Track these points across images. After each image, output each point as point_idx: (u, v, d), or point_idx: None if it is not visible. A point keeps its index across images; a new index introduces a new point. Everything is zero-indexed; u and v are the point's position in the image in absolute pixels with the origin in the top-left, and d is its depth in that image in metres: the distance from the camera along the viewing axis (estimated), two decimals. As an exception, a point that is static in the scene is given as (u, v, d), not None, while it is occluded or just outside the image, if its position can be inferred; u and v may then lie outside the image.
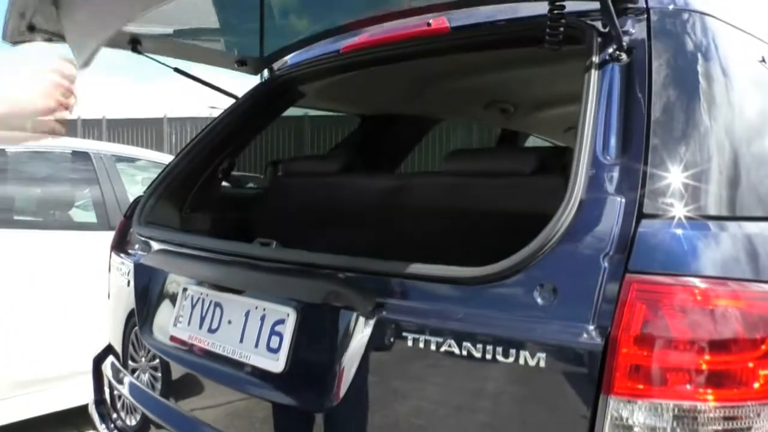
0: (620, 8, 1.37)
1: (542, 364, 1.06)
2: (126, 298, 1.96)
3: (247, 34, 2.25)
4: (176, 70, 2.13)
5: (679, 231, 1.07)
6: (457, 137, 4.46)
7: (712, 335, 1.01)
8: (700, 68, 1.31)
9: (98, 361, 2.14)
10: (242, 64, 2.25)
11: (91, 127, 15.79)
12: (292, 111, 2.93)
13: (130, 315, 1.94)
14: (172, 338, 1.73)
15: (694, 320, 1.01)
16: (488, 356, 1.11)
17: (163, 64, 2.10)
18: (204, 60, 2.19)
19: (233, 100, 2.32)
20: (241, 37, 2.27)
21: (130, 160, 4.08)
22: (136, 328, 1.89)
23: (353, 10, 2.01)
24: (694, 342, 1.00)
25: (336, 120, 3.61)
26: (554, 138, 3.60)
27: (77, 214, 3.84)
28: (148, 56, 2.04)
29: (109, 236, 2.22)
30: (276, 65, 2.34)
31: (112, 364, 2.07)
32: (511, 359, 1.09)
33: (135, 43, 1.97)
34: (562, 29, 1.47)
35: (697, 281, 1.02)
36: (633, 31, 1.37)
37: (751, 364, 1.00)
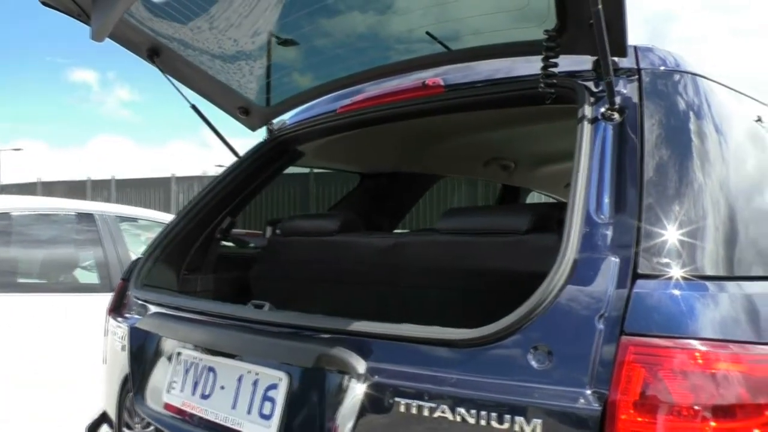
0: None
1: (538, 430, 1.02)
2: (121, 363, 1.93)
3: (257, 86, 2.28)
4: (193, 107, 2.16)
5: (675, 291, 1.05)
6: (461, 192, 4.46)
7: (715, 400, 0.97)
8: (692, 126, 1.31)
9: (92, 430, 2.09)
10: (245, 113, 2.27)
11: (100, 188, 16.02)
12: (297, 168, 2.94)
13: (125, 380, 1.90)
14: (166, 406, 1.69)
15: (696, 384, 0.97)
16: (482, 422, 1.08)
17: (177, 89, 2.12)
18: (212, 97, 2.21)
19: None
20: (249, 87, 2.30)
21: (133, 219, 4.11)
22: (131, 393, 1.85)
23: (354, 68, 2.04)
24: (696, 407, 0.97)
25: (341, 177, 3.63)
26: (556, 193, 3.60)
27: (80, 276, 3.84)
28: (162, 72, 2.05)
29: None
30: (275, 125, 2.36)
31: (106, 432, 2.02)
32: (506, 425, 1.05)
33: (153, 54, 2.00)
34: (554, 88, 1.49)
35: (697, 344, 0.99)
36: (625, 91, 1.38)
37: (756, 431, 0.96)
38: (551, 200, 3.72)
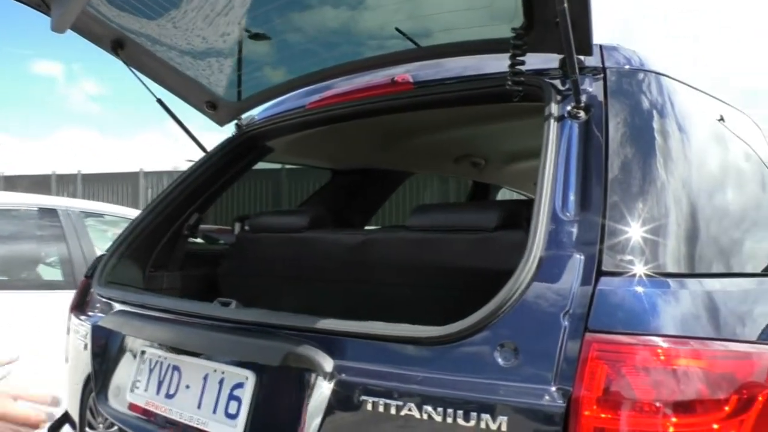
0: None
1: (504, 427, 1.03)
2: (83, 362, 1.89)
3: (225, 80, 2.24)
4: (159, 101, 2.12)
5: (638, 288, 1.06)
6: (433, 188, 4.47)
7: (676, 396, 0.98)
8: (656, 125, 1.33)
9: (54, 430, 2.04)
10: (212, 107, 2.24)
11: (66, 183, 15.62)
12: (269, 165, 2.90)
13: (88, 380, 1.86)
14: (130, 406, 1.66)
15: (658, 380, 0.99)
16: (449, 419, 1.07)
17: (142, 82, 2.08)
18: (178, 90, 2.17)
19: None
20: (217, 82, 2.26)
21: (99, 215, 4.03)
22: (93, 394, 1.81)
23: (325, 64, 2.03)
24: (658, 403, 0.98)
25: (314, 173, 3.61)
26: (526, 190, 3.63)
27: (44, 273, 3.76)
28: (127, 65, 2.01)
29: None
30: (244, 121, 2.33)
31: (68, 433, 1.98)
32: (472, 422, 1.05)
33: (117, 46, 1.95)
34: (521, 86, 1.50)
35: (658, 340, 1.00)
36: (590, 90, 1.39)
37: (716, 426, 0.98)
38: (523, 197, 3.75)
